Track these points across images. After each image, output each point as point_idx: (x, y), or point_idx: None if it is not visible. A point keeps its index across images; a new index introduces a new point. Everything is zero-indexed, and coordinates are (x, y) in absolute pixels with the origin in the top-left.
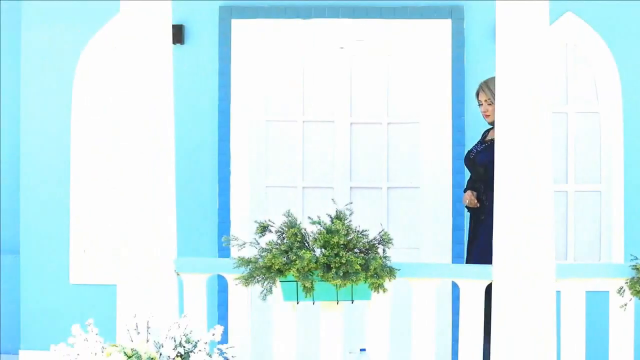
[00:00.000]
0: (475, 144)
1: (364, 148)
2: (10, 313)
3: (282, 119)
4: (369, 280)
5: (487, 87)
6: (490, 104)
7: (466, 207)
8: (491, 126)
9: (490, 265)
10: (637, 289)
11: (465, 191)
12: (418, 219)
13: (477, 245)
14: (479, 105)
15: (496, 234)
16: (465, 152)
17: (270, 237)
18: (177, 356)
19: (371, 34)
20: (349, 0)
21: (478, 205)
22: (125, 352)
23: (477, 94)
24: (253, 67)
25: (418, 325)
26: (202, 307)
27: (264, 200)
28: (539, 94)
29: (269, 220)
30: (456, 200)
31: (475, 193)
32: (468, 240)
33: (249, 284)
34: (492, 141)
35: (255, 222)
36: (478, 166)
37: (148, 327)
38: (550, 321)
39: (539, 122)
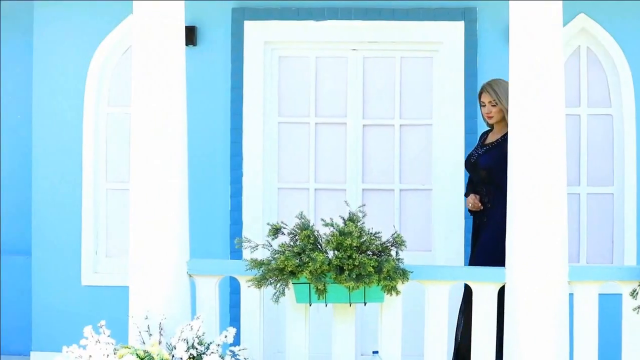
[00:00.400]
0: (475, 147)
1: (376, 150)
2: (21, 314)
3: (294, 120)
4: (382, 282)
5: (492, 88)
6: (494, 106)
7: (469, 210)
8: (490, 128)
9: (503, 267)
10: None
11: (466, 195)
12: (430, 221)
13: (480, 247)
14: (482, 106)
15: (509, 236)
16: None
17: (283, 239)
18: (189, 358)
19: (384, 35)
20: (362, 1)
21: (482, 208)
22: (137, 354)
23: (480, 95)
24: (265, 68)
25: (431, 328)
26: (215, 309)
27: (275, 202)
28: (553, 96)
29: (282, 222)
30: None
31: (478, 197)
32: (471, 242)
33: (261, 286)
34: (493, 144)
35: (268, 224)
36: (480, 169)
37: (161, 329)
38: (563, 323)
39: (552, 124)
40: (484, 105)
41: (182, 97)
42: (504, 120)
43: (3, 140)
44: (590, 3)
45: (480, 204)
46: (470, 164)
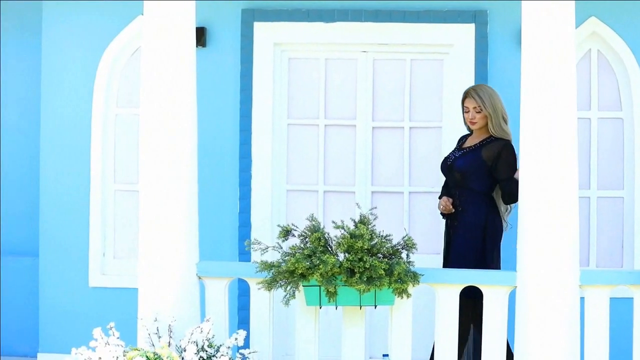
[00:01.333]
0: (453, 151)
1: (385, 152)
2: (28, 316)
3: (303, 122)
4: (392, 285)
5: (477, 93)
6: (478, 112)
7: (441, 213)
8: (469, 132)
9: (514, 271)
10: None
11: (440, 197)
12: (439, 223)
13: (453, 252)
14: (465, 112)
15: (520, 240)
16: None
17: (293, 241)
18: None
19: (394, 37)
20: (373, 1)
21: (453, 211)
22: (147, 356)
23: (463, 101)
24: (275, 70)
25: (441, 330)
26: (224, 312)
27: (284, 204)
28: (565, 99)
29: (292, 224)
30: None
31: (450, 200)
32: (444, 245)
33: (271, 288)
34: (471, 148)
35: (278, 226)
36: (455, 172)
37: (170, 331)
38: (574, 327)
39: (564, 127)
40: (468, 111)
41: (192, 98)
42: (485, 126)
43: (8, 140)
44: (602, 6)
45: (451, 207)
46: (447, 166)
